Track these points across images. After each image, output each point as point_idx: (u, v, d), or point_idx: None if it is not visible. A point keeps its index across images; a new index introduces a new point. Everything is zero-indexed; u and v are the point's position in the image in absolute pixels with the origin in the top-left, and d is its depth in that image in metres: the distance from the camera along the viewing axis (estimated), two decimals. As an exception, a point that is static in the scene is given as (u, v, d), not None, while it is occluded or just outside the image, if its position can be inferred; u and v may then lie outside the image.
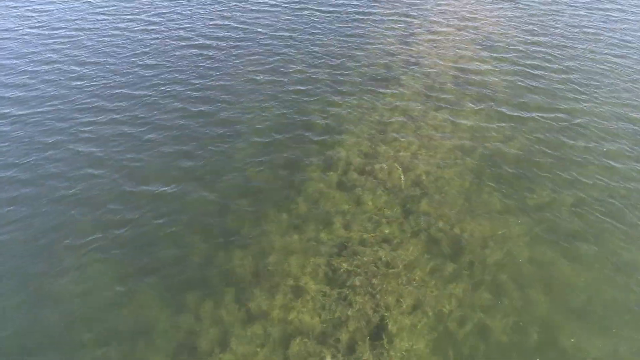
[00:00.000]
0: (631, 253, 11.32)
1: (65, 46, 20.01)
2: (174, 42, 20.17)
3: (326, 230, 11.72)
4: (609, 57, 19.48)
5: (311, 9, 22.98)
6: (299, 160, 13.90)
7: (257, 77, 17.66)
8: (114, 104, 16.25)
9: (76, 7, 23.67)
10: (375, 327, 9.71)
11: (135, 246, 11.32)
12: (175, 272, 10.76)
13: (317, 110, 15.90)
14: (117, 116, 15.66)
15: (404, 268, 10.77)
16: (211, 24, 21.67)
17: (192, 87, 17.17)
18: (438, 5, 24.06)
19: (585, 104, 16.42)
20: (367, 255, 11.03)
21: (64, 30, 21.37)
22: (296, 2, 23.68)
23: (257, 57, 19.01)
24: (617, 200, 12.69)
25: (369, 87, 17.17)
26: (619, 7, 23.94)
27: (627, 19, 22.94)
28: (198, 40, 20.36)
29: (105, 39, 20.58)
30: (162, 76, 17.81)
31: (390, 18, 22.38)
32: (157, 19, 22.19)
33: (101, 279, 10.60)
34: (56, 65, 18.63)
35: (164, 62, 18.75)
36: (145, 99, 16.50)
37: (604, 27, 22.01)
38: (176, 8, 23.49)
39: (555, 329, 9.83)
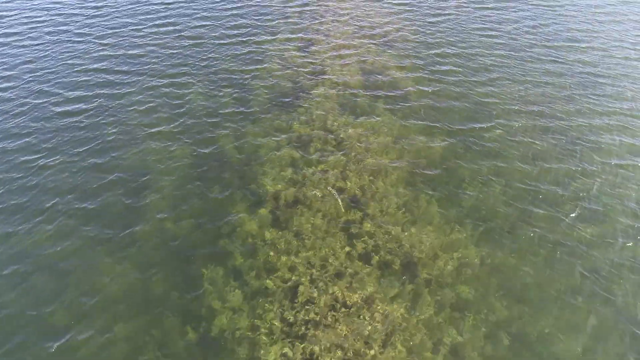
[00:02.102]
0: (565, 232, 11.80)
1: None
2: (37, 102, 16.18)
3: (271, 278, 10.51)
4: (499, 47, 20.76)
5: (204, 41, 20.48)
6: (223, 202, 12.44)
7: (154, 122, 15.35)
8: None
9: None
10: (349, 379, 8.80)
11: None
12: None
13: (230, 143, 14.39)
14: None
15: (364, 303, 9.97)
16: (83, 73, 17.77)
17: (78, 149, 14.21)
18: (331, 14, 23.78)
19: (490, 99, 17.04)
20: (322, 297, 10.04)
21: None
22: (186, 35, 20.90)
23: (149, 97, 16.55)
24: (538, 182, 13.25)
25: (281, 108, 16.09)
26: (503, 6, 25.77)
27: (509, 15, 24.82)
28: (70, 97, 16.38)
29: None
30: (33, 149, 14.05)
31: (287, 35, 21.50)
32: (6, 76, 17.60)
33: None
34: None
35: (31, 131, 14.72)
36: (16, 182, 12.95)
37: (493, 23, 23.53)
38: (30, 59, 18.67)
39: (520, 328, 9.76)
